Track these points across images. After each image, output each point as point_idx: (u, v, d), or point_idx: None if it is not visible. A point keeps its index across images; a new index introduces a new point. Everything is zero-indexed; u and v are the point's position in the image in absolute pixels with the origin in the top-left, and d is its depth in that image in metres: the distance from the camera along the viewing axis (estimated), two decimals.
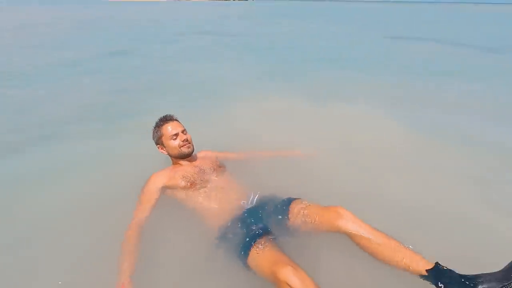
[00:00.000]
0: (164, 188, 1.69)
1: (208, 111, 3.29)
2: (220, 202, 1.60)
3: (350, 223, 1.32)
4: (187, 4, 59.00)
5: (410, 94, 4.15)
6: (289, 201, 1.55)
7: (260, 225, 1.42)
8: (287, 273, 1.08)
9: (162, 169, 1.79)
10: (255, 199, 1.60)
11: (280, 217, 1.50)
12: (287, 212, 1.50)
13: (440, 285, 1.13)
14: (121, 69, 5.45)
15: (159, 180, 1.70)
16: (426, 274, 1.16)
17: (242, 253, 1.31)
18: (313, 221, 1.41)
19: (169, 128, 1.80)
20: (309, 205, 1.49)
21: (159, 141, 1.84)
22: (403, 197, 1.78)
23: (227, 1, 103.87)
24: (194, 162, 1.83)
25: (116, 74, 5.06)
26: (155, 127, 1.85)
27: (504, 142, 2.61)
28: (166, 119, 1.84)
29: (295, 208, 1.50)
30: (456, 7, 66.92)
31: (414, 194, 1.83)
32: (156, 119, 1.85)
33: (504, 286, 1.03)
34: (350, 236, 1.32)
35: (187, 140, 1.78)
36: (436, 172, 2.11)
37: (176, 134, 1.78)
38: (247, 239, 1.34)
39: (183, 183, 1.67)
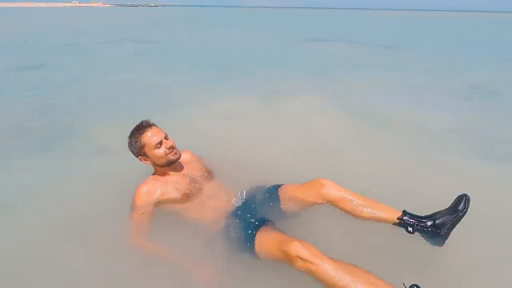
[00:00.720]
0: (157, 203, 1.59)
1: (161, 119, 3.19)
2: (214, 208, 1.61)
3: (332, 189, 1.52)
4: (87, 10, 53.95)
5: (336, 85, 4.80)
6: (275, 188, 1.67)
7: (257, 216, 1.52)
8: (296, 247, 1.19)
9: (147, 182, 1.64)
10: (244, 195, 1.66)
11: (271, 204, 1.62)
12: (277, 198, 1.63)
13: (409, 229, 1.43)
14: (42, 86, 4.72)
15: (151, 195, 1.59)
16: (398, 221, 1.45)
17: (248, 244, 1.38)
18: (301, 198, 1.59)
19: (150, 136, 1.62)
20: (294, 185, 1.66)
21: (140, 152, 1.65)
22: (364, 170, 2.12)
23: (135, 7, 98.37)
24: (182, 171, 1.71)
25: (38, 91, 4.34)
26: (132, 137, 1.64)
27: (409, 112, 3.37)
28: (143, 126, 1.64)
29: (282, 192, 1.64)
30: (355, 12, 77.39)
31: (370, 167, 2.19)
32: (125, 130, 1.66)
33: (454, 217, 1.37)
34: (334, 202, 1.52)
35: (172, 147, 1.63)
36: (378, 145, 2.55)
37: (160, 142, 1.62)
38: (249, 231, 1.41)
39: (178, 196, 1.60)
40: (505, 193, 1.91)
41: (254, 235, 1.39)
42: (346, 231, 1.53)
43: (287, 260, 1.23)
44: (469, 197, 1.40)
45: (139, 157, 1.67)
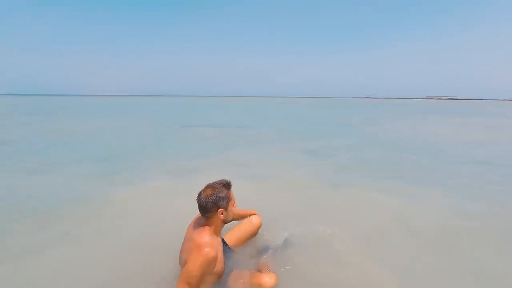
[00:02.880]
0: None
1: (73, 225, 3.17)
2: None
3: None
4: None
5: (230, 161, 6.31)
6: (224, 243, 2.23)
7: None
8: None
9: (214, 245, 1.67)
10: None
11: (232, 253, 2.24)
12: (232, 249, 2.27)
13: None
14: None
15: (214, 262, 1.67)
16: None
17: None
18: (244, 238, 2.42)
19: (232, 194, 1.84)
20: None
21: (226, 206, 1.82)
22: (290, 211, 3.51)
23: None
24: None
25: None
26: (222, 190, 1.81)
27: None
28: (230, 184, 1.83)
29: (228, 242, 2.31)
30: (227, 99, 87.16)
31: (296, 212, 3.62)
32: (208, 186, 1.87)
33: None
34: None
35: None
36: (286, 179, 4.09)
37: (234, 200, 1.88)
38: None
39: (220, 269, 1.79)
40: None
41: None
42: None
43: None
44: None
45: (221, 209, 1.80)
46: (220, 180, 1.92)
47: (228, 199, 1.86)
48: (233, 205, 1.92)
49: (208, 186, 1.88)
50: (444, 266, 2.41)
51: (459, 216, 3.46)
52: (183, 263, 1.75)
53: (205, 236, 1.73)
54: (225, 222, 1.91)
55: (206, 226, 1.82)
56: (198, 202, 1.84)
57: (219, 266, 1.72)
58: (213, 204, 1.81)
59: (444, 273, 2.32)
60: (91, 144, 8.21)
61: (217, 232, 1.85)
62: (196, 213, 1.98)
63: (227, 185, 1.92)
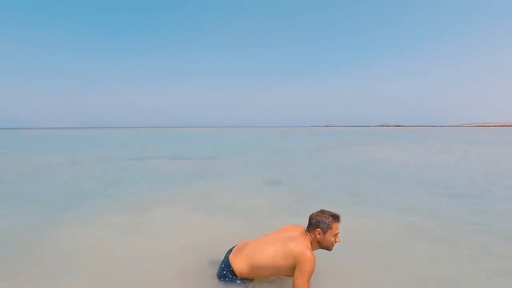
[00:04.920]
0: None
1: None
2: None
3: None
4: None
5: (176, 194, 6.05)
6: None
7: None
8: None
9: (311, 250, 2.21)
10: None
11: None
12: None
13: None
14: None
15: None
16: None
17: None
18: None
19: (337, 227, 2.27)
20: None
21: (324, 229, 2.25)
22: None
23: None
24: None
25: None
26: (328, 217, 2.27)
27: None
28: (338, 218, 2.28)
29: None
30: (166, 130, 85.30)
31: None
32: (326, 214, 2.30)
33: None
34: None
35: (335, 243, 2.32)
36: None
37: (337, 234, 2.29)
38: None
39: None
40: None
41: None
42: None
43: None
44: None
45: (319, 230, 2.27)
46: (332, 211, 2.34)
47: (329, 227, 2.26)
48: (333, 235, 2.27)
49: (321, 210, 2.36)
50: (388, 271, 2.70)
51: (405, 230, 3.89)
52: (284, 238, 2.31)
53: (306, 243, 2.26)
54: (320, 244, 2.30)
55: (307, 236, 2.31)
56: (309, 217, 2.37)
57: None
58: (315, 222, 2.30)
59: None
60: (31, 185, 7.37)
61: (311, 247, 2.26)
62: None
63: (335, 216, 2.30)
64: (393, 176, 8.11)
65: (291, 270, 2.21)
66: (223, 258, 2.51)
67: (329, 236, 2.26)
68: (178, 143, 25.21)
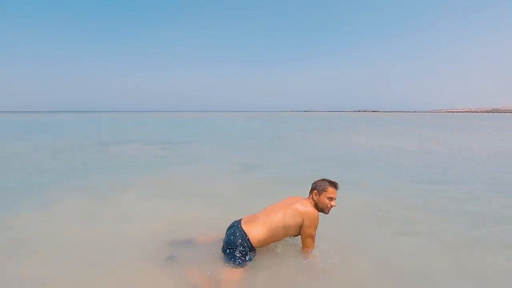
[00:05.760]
0: None
1: None
2: None
3: None
4: None
5: (159, 180, 5.97)
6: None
7: None
8: None
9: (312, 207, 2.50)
10: None
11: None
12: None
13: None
14: None
15: None
16: None
17: None
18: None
19: (332, 191, 2.52)
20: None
21: (319, 191, 2.55)
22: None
23: None
24: None
25: None
26: (325, 181, 2.56)
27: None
28: (335, 185, 2.55)
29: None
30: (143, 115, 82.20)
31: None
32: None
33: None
34: None
35: (332, 207, 2.56)
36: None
37: (332, 198, 2.53)
38: None
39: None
40: None
41: None
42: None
43: None
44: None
45: (314, 191, 2.58)
46: (332, 180, 2.61)
47: (324, 189, 2.54)
48: (327, 198, 2.52)
49: (323, 179, 2.64)
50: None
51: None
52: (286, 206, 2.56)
53: (309, 203, 2.57)
54: (317, 206, 2.56)
55: (308, 199, 2.62)
56: None
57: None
58: (314, 186, 2.63)
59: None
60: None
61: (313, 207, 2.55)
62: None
63: (331, 182, 2.58)
64: (375, 161, 8.38)
65: (299, 229, 2.53)
66: (230, 231, 2.53)
67: (323, 198, 2.53)
68: (157, 127, 24.61)
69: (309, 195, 2.64)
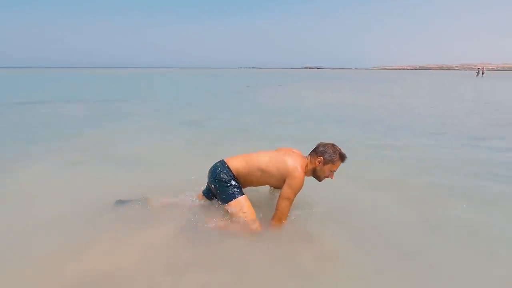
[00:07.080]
0: None
1: None
2: None
3: None
4: None
5: (82, 141, 5.03)
6: None
7: None
8: None
9: (304, 173, 2.17)
10: None
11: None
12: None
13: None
14: None
15: None
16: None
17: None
18: None
19: (337, 165, 2.26)
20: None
21: (326, 161, 2.23)
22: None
23: None
24: None
25: None
26: (336, 153, 2.24)
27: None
28: (344, 159, 2.26)
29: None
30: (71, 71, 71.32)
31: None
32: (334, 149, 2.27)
33: None
34: None
35: (329, 178, 2.32)
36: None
37: (334, 171, 2.29)
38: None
39: None
40: None
41: None
42: None
43: None
44: None
45: (321, 158, 2.24)
46: (343, 151, 2.29)
47: (332, 161, 2.24)
48: (330, 170, 2.25)
49: (333, 144, 2.32)
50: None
51: None
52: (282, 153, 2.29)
53: (302, 162, 2.22)
54: (314, 172, 2.30)
55: (305, 159, 2.30)
56: (317, 144, 2.35)
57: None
58: (322, 150, 2.27)
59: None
60: None
61: (305, 171, 2.23)
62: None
63: (342, 155, 2.27)
64: (322, 115, 8.33)
65: (279, 182, 2.21)
66: (211, 168, 2.38)
67: (327, 169, 2.26)
68: (91, 84, 21.65)
69: (309, 156, 2.31)
